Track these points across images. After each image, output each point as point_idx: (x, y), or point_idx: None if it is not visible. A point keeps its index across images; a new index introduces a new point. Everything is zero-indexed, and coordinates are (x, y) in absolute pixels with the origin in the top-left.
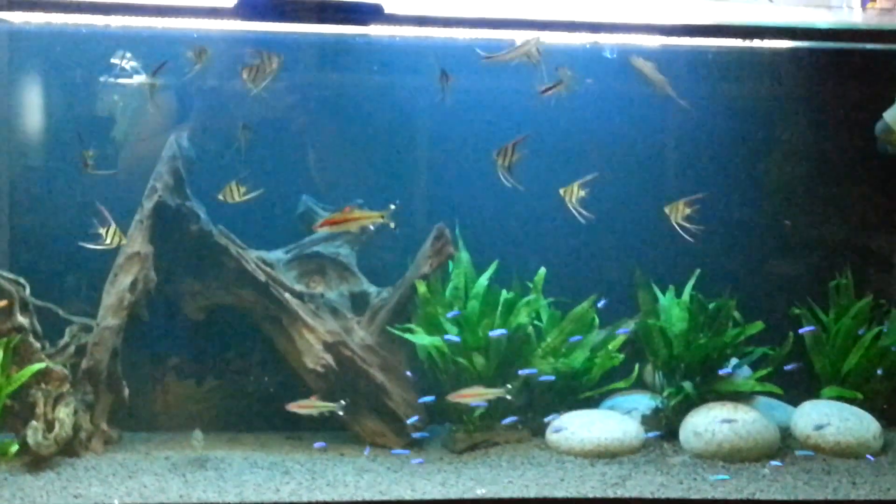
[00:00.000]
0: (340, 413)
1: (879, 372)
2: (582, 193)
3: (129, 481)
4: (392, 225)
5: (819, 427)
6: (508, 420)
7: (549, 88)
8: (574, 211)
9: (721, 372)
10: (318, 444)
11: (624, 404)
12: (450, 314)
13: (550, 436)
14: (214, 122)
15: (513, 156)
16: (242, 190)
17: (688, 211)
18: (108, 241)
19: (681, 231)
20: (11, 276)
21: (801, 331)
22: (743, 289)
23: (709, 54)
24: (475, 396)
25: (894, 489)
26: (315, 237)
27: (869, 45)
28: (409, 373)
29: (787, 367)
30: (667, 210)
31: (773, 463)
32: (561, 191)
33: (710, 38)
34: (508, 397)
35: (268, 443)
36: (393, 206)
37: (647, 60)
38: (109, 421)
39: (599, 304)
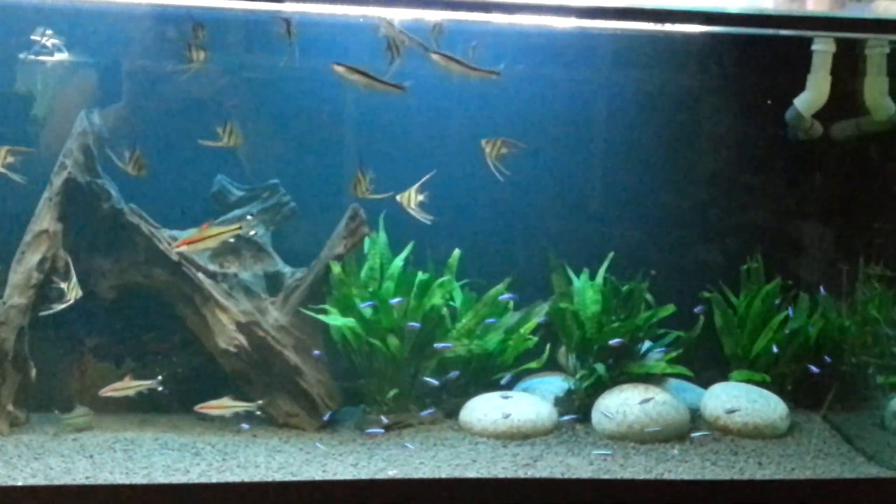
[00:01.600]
0: (258, 413)
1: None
2: (420, 198)
3: (35, 462)
4: (252, 232)
5: (731, 411)
6: (427, 412)
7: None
8: (415, 214)
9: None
10: (242, 426)
11: (539, 387)
12: (363, 304)
13: (465, 418)
14: (140, 101)
15: (501, 149)
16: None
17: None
18: None
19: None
20: None
21: (695, 310)
22: (656, 272)
23: (622, 39)
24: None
25: (798, 469)
26: (230, 216)
27: (781, 32)
28: (317, 352)
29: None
30: (398, 198)
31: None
32: (398, 197)
33: (621, 21)
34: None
35: (180, 424)
36: (250, 217)
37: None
38: (16, 402)
39: (504, 297)
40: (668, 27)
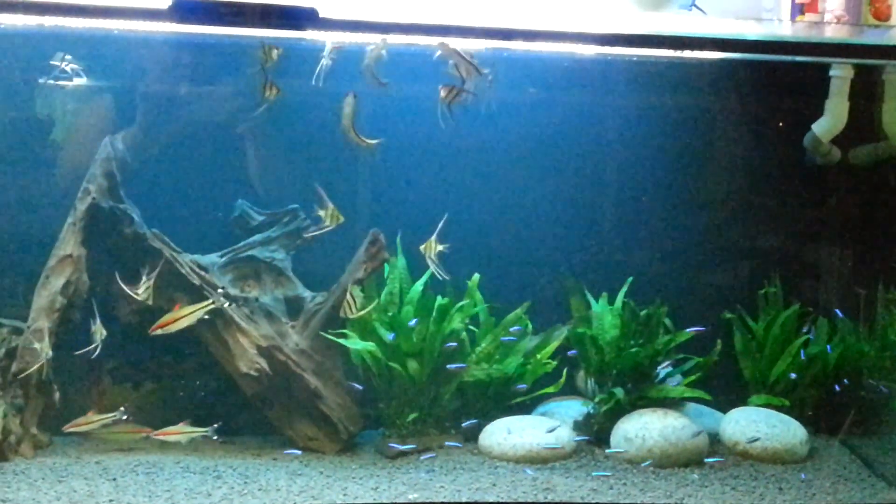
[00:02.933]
0: (215, 438)
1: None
2: (440, 248)
3: (59, 485)
4: (225, 304)
5: (753, 440)
6: (451, 444)
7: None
8: (432, 266)
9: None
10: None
11: (557, 411)
12: (389, 336)
13: (484, 442)
14: (156, 126)
15: (455, 96)
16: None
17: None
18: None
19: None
20: None
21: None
22: (675, 297)
23: (641, 64)
24: (89, 424)
25: (819, 494)
26: (250, 241)
27: (798, 58)
28: (357, 386)
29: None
30: (421, 249)
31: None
32: (421, 248)
33: (640, 48)
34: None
35: (201, 447)
36: (221, 290)
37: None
38: (40, 425)
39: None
40: (686, 54)
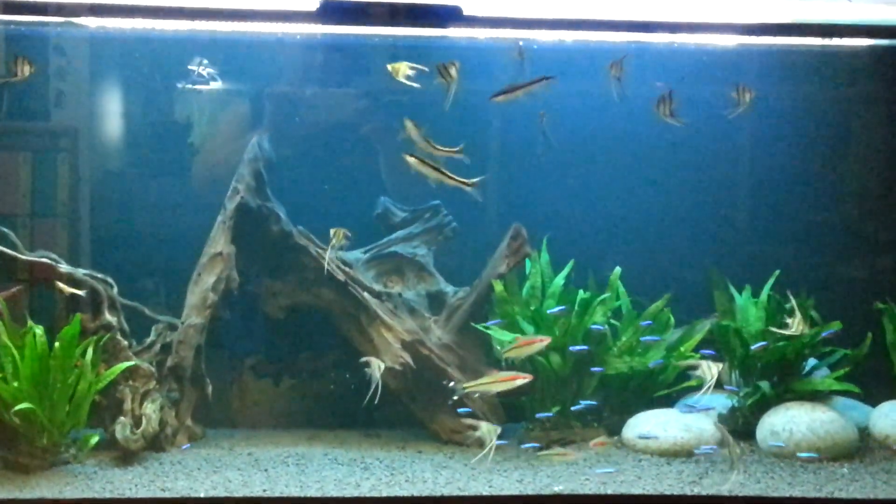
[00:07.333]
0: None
1: None
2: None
3: (214, 476)
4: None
5: None
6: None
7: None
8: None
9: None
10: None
11: (700, 404)
12: (531, 330)
13: (627, 435)
14: (290, 127)
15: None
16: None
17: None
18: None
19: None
20: (100, 275)
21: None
22: (821, 289)
23: (781, 54)
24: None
25: None
26: (392, 237)
27: None
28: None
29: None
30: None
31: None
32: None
33: (786, 36)
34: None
35: (347, 440)
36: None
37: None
38: (193, 417)
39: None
40: (832, 42)
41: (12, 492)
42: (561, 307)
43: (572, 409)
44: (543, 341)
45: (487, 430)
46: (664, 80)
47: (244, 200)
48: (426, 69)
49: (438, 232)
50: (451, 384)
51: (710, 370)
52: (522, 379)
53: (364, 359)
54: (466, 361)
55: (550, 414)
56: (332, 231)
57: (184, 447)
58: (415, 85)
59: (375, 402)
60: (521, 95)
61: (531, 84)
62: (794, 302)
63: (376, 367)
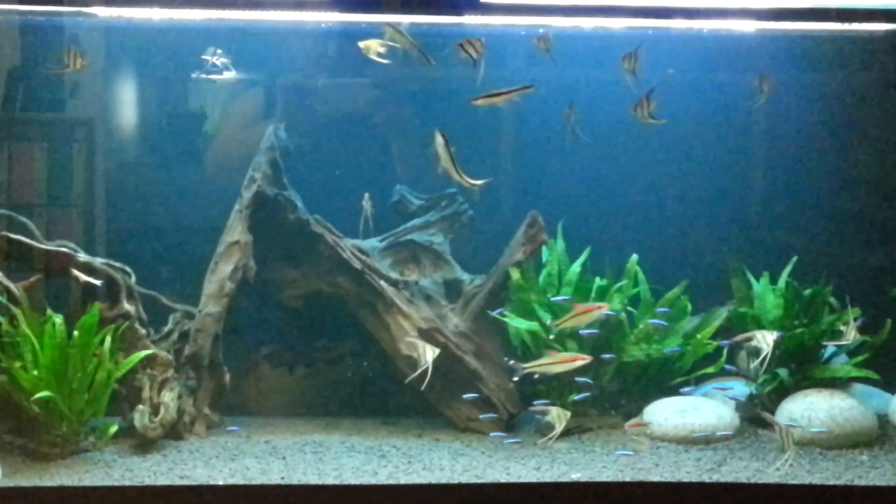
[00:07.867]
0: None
1: None
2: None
3: (232, 463)
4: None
5: None
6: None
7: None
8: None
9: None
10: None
11: (719, 391)
12: (547, 317)
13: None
14: (305, 116)
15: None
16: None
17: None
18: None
19: None
20: (118, 264)
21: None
22: (838, 276)
23: (804, 39)
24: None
25: None
26: (409, 225)
27: None
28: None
29: None
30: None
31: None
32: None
33: (805, 21)
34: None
35: (364, 427)
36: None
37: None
38: (211, 405)
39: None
40: (850, 26)
41: (32, 479)
42: (565, 297)
43: (574, 399)
44: (603, 308)
45: (557, 414)
46: (681, 66)
47: (261, 189)
48: (412, 45)
49: (455, 220)
50: (511, 363)
51: (765, 339)
52: (582, 360)
53: (410, 339)
54: (483, 349)
55: (548, 401)
56: (364, 196)
57: (229, 429)
58: (384, 61)
59: (422, 388)
60: (501, 104)
61: (512, 92)
62: (850, 312)
63: (423, 350)
